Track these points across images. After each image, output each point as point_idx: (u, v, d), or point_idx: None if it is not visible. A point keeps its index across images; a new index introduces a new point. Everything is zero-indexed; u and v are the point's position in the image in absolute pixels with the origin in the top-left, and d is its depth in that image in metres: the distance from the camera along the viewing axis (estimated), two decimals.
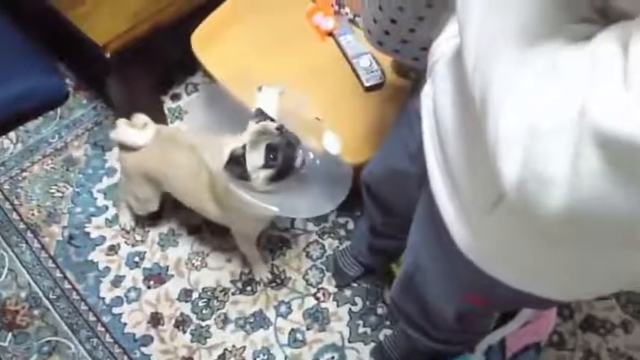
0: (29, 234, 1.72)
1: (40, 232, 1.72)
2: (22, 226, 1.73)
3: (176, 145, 1.47)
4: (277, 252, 1.72)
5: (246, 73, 1.56)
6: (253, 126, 1.27)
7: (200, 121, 1.42)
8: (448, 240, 0.75)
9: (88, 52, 1.60)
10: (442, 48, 0.77)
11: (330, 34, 1.66)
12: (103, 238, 1.72)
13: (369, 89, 1.57)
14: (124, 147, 1.51)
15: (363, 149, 1.48)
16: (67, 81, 2.02)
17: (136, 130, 1.49)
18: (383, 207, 1.31)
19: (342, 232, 1.77)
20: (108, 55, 1.54)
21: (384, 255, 1.61)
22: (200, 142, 1.36)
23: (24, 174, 1.83)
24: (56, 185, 1.81)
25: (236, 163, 1.21)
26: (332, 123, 1.51)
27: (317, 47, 1.65)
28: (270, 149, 1.22)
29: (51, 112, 1.96)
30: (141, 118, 1.50)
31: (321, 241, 1.75)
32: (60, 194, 1.80)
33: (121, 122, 1.50)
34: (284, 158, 1.22)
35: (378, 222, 1.39)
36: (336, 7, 1.69)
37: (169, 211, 1.76)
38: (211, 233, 1.73)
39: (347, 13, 1.68)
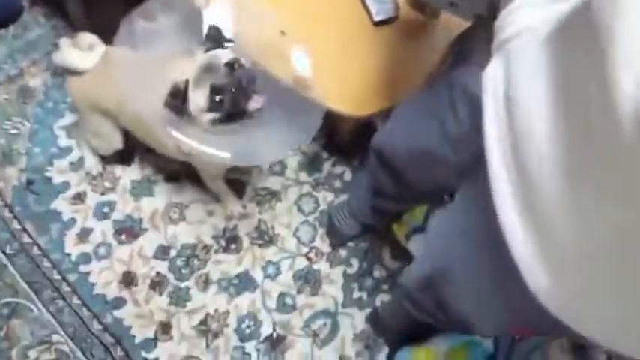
0: None
1: None
2: None
3: (127, 67, 1.21)
4: (265, 205, 1.54)
5: None
6: (200, 56, 1.08)
7: (156, 27, 1.16)
8: (508, 271, 0.57)
9: None
10: (525, 20, 0.55)
11: None
12: (67, 185, 1.51)
13: (378, 24, 1.33)
14: (70, 72, 1.30)
15: (371, 99, 1.27)
16: None
17: (81, 51, 1.28)
18: (396, 178, 1.12)
19: (338, 184, 1.58)
20: None
21: (386, 215, 1.44)
22: (147, 66, 1.13)
23: None
24: (11, 121, 1.57)
25: (175, 101, 1.03)
26: (334, 65, 1.29)
27: None
28: (215, 91, 1.04)
29: (1, 31, 1.67)
30: (86, 37, 1.29)
31: (314, 193, 1.57)
32: (16, 131, 1.56)
33: (64, 42, 1.30)
34: (231, 102, 1.04)
35: (386, 187, 1.21)
36: None
37: (143, 154, 1.55)
38: (191, 182, 1.53)
39: None
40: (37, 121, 1.57)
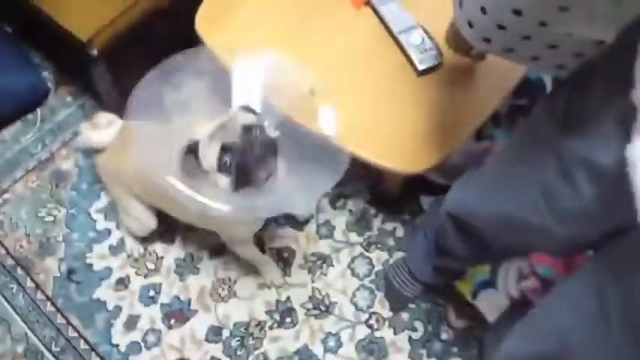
0: (20, 271, 1.44)
1: (33, 268, 1.44)
2: (9, 262, 1.45)
3: (130, 136, 1.20)
4: (317, 272, 1.45)
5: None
6: (222, 116, 1.02)
7: (184, 94, 1.11)
8: None
9: (69, 46, 1.27)
10: None
11: (367, 2, 1.32)
12: (109, 270, 1.44)
13: (423, 72, 1.25)
14: (97, 151, 1.32)
15: (423, 153, 1.19)
16: (46, 74, 1.69)
17: (100, 130, 1.30)
18: (476, 244, 1.03)
19: (391, 242, 1.49)
20: (95, 53, 1.21)
21: (450, 274, 1.34)
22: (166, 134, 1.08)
23: (5, 196, 1.53)
24: (45, 207, 1.51)
25: (189, 156, 0.99)
26: (379, 120, 1.21)
27: (351, 20, 1.31)
28: (225, 150, 0.98)
29: (30, 116, 1.64)
30: (103, 116, 1.31)
31: (367, 254, 1.47)
32: (51, 218, 1.50)
33: (84, 126, 1.33)
34: (239, 166, 0.97)
35: (458, 251, 1.11)
36: None
37: (183, 230, 1.48)
38: (237, 255, 1.45)
39: None
40: (72, 205, 1.52)
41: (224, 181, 0.99)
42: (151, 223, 1.36)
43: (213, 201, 0.98)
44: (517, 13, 0.64)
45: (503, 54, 0.75)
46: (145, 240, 1.45)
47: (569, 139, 0.67)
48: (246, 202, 1.03)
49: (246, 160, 0.98)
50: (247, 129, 1.00)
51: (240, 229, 1.28)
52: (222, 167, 0.98)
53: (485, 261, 1.23)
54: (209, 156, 0.99)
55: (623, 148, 0.54)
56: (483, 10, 0.67)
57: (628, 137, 0.55)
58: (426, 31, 1.27)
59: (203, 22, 1.29)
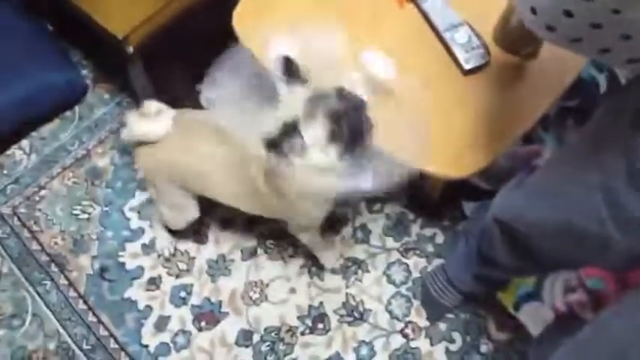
0: (54, 268, 1.44)
1: (67, 265, 1.44)
2: (44, 258, 1.45)
3: (201, 130, 1.17)
4: (351, 278, 1.40)
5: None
6: (301, 90, 0.97)
7: (223, 93, 1.08)
8: None
9: (106, 43, 1.26)
10: None
11: None
12: (141, 270, 1.43)
13: (469, 72, 1.19)
14: (140, 144, 1.21)
15: (469, 157, 1.12)
16: (84, 72, 1.69)
17: (149, 120, 1.19)
18: (524, 253, 0.97)
19: (430, 248, 1.43)
20: (130, 50, 1.20)
21: (491, 284, 1.28)
22: (232, 122, 1.05)
23: (42, 192, 1.53)
24: (80, 205, 1.51)
25: (290, 138, 0.92)
26: (416, 121, 1.15)
27: (394, 17, 1.26)
28: (333, 118, 0.93)
29: (68, 113, 1.64)
30: (151, 104, 1.21)
31: (404, 260, 1.42)
32: (86, 216, 1.50)
33: (131, 116, 1.21)
34: (352, 126, 0.94)
35: (504, 260, 1.05)
36: None
37: (216, 231, 1.45)
38: (270, 257, 1.42)
39: None
40: (107, 203, 1.51)
41: (332, 152, 0.96)
42: (195, 212, 1.31)
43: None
44: None
45: (569, 45, 0.68)
46: (179, 237, 1.43)
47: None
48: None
49: (355, 121, 0.95)
50: (340, 92, 0.96)
51: (317, 211, 1.20)
52: (334, 136, 0.95)
53: (530, 272, 1.16)
54: (314, 132, 0.94)
55: None
56: None
57: None
58: (472, 29, 1.21)
59: (240, 20, 1.26)
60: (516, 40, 1.18)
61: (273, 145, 0.93)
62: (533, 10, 0.65)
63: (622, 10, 0.57)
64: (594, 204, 0.70)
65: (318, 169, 0.99)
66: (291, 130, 0.93)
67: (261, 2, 1.29)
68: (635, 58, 0.65)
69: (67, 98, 1.65)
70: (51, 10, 1.46)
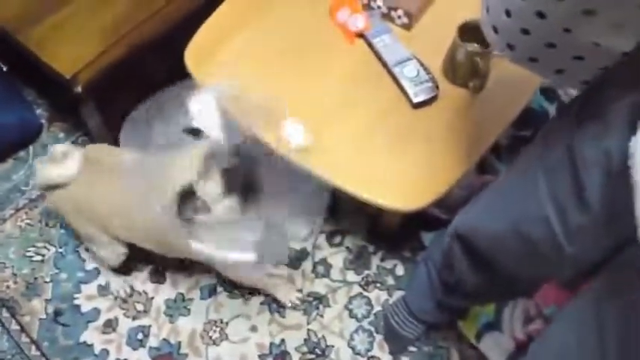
0: (5, 313, 1.38)
1: (19, 310, 1.39)
2: None
3: (109, 169, 1.20)
4: (313, 313, 1.38)
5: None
6: (199, 147, 1.02)
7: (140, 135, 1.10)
8: None
9: (56, 82, 1.25)
10: None
11: (361, 35, 1.29)
12: (97, 312, 1.39)
13: (418, 105, 1.21)
14: (55, 187, 1.24)
15: (422, 189, 1.13)
16: (39, 111, 1.67)
17: (58, 163, 1.22)
18: (485, 268, 0.98)
19: (391, 280, 1.42)
20: (79, 89, 1.19)
21: (454, 312, 1.28)
22: (138, 164, 1.07)
23: None
24: (34, 246, 1.47)
25: (189, 202, 0.99)
26: (374, 156, 1.16)
27: (344, 53, 1.28)
28: (228, 174, 1.00)
29: (22, 153, 1.61)
30: (58, 148, 1.23)
31: (365, 293, 1.41)
32: (40, 257, 1.46)
33: (39, 162, 1.29)
34: (245, 176, 1.01)
35: (467, 280, 1.06)
36: (365, 0, 1.31)
37: (173, 270, 1.43)
38: (229, 295, 1.39)
39: (379, 7, 1.30)
40: (61, 244, 1.47)
41: (232, 203, 1.00)
42: (123, 250, 1.31)
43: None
44: (541, 15, 0.60)
45: (527, 64, 0.71)
46: (134, 277, 1.40)
47: (581, 137, 0.64)
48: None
49: (250, 176, 1.01)
50: (233, 149, 1.00)
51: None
52: (230, 188, 0.99)
53: (492, 294, 1.17)
54: (211, 187, 0.99)
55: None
56: (508, 14, 0.64)
57: (635, 131, 0.53)
58: (421, 64, 1.23)
59: (193, 56, 1.26)
60: (463, 74, 1.21)
61: (178, 209, 0.98)
62: (495, 30, 0.68)
63: (572, 29, 0.60)
64: (544, 213, 0.72)
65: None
66: (189, 193, 0.98)
67: (213, 39, 1.30)
68: (589, 80, 0.68)
69: (21, 138, 1.62)
70: (3, 49, 1.44)
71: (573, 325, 0.70)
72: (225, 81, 1.11)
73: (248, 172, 1.01)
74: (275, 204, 1.07)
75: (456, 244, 1.06)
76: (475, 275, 1.05)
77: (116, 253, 1.31)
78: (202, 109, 1.03)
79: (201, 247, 1.03)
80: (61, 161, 1.21)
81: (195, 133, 1.03)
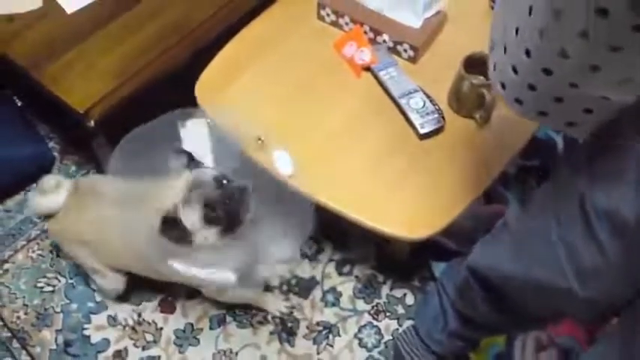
0: (15, 344, 1.39)
1: (29, 341, 1.39)
2: (5, 333, 1.40)
3: (97, 197, 1.24)
4: (322, 343, 1.38)
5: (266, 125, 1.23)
6: (185, 175, 1.05)
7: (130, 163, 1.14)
8: None
9: (69, 117, 1.28)
10: None
11: (367, 68, 1.32)
12: (107, 342, 1.39)
13: (425, 136, 1.23)
14: (50, 216, 1.29)
15: (428, 218, 1.14)
16: (52, 144, 1.70)
17: (48, 194, 1.27)
18: (500, 303, 0.99)
19: (401, 310, 1.42)
20: (92, 124, 1.22)
21: (466, 342, 1.27)
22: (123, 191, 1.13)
23: (5, 266, 1.50)
24: (45, 277, 1.49)
25: (172, 227, 1.01)
26: (376, 185, 1.17)
27: (351, 86, 1.31)
28: (208, 205, 1.02)
29: (34, 185, 1.64)
30: (49, 179, 1.29)
31: (375, 323, 1.41)
32: (50, 288, 1.47)
33: (31, 194, 1.35)
34: (226, 213, 1.03)
35: (483, 315, 1.06)
36: (371, 35, 1.34)
37: (183, 299, 1.43)
38: (238, 324, 1.40)
39: (385, 41, 1.33)
40: (72, 274, 1.48)
41: (211, 233, 1.03)
42: (119, 282, 1.34)
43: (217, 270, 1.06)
44: (547, 72, 0.61)
45: (538, 117, 0.72)
46: (141, 307, 1.41)
47: (594, 190, 0.65)
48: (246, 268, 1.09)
49: (231, 207, 1.02)
50: (218, 180, 1.04)
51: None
52: (210, 220, 1.02)
53: (509, 326, 1.17)
54: (192, 216, 1.01)
55: None
56: (515, 70, 0.65)
57: None
58: (427, 95, 1.25)
59: (203, 90, 1.30)
60: (469, 105, 1.23)
61: (161, 233, 1.01)
62: (503, 85, 0.70)
63: (579, 84, 0.61)
64: (556, 257, 0.73)
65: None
66: (171, 221, 1.00)
67: (224, 73, 1.34)
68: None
69: (35, 171, 1.64)
70: (18, 85, 1.48)
71: None
72: (226, 108, 1.15)
73: (233, 201, 1.03)
74: (260, 228, 1.10)
75: (471, 278, 1.07)
76: (490, 308, 1.05)
77: (114, 281, 1.33)
78: (193, 134, 1.06)
79: (184, 269, 1.06)
80: (51, 192, 1.26)
81: (186, 158, 1.07)
